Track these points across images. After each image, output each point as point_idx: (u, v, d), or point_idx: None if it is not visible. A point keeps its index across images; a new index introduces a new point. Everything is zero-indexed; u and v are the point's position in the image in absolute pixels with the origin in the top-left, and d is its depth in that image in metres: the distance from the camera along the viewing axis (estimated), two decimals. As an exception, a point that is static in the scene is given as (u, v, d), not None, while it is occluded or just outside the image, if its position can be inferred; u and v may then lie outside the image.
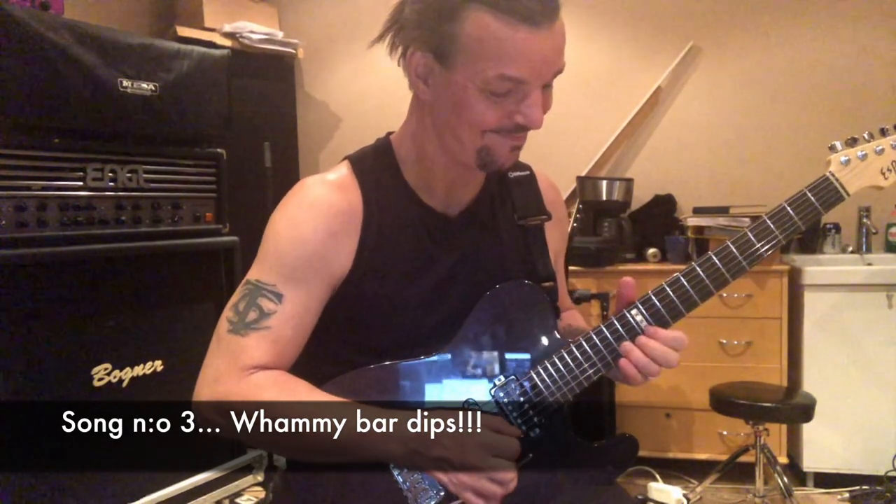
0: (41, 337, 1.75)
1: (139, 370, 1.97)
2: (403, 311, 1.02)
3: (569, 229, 1.43)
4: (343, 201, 1.01)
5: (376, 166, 1.06)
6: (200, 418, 0.96)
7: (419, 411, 0.92)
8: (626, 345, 0.99)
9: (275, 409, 0.90)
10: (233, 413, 0.92)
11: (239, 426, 0.93)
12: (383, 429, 0.89)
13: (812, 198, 1.00)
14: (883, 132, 1.03)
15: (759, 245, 1.00)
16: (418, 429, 0.89)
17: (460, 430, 0.88)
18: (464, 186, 1.08)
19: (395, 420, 0.90)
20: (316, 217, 0.99)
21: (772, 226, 1.00)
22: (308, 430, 0.89)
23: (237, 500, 2.42)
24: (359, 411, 0.91)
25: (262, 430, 0.92)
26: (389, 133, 1.11)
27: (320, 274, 0.99)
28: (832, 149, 1.03)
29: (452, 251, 1.06)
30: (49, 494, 1.75)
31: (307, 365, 1.03)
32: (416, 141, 1.04)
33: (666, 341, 0.98)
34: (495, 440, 0.89)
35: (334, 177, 1.04)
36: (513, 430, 0.93)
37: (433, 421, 0.89)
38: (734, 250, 1.00)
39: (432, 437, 0.88)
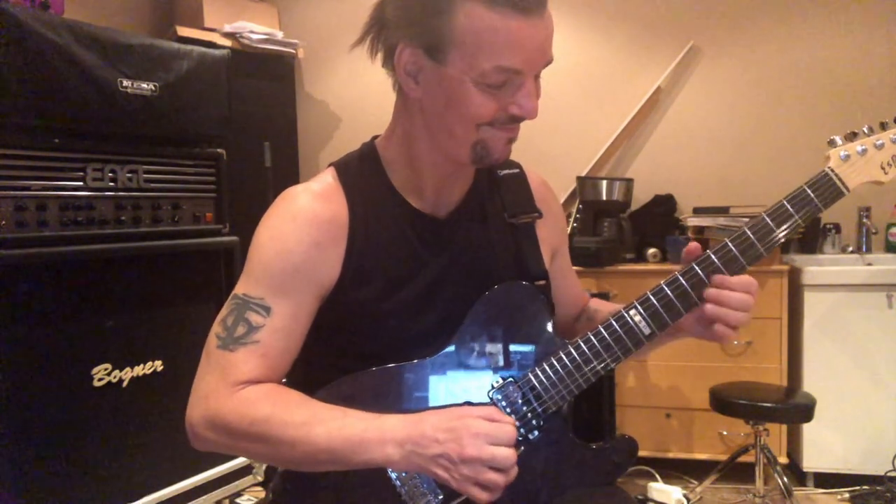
0: (41, 337, 1.75)
1: (139, 370, 1.97)
2: (395, 315, 1.02)
3: (567, 223, 1.41)
4: (327, 210, 1.00)
5: (362, 172, 1.06)
6: (195, 436, 0.95)
7: (413, 413, 0.92)
8: (708, 307, 0.98)
9: (268, 423, 0.90)
10: (226, 429, 0.92)
11: (233, 442, 0.93)
12: (378, 433, 0.88)
13: (811, 194, 0.99)
14: (883, 126, 1.02)
15: (758, 243, 0.99)
16: (413, 429, 0.88)
17: (454, 425, 0.88)
18: (452, 186, 1.07)
19: (390, 423, 0.89)
20: (300, 228, 0.98)
21: (771, 223, 0.99)
22: (303, 441, 0.89)
23: (237, 500, 2.43)
24: (353, 418, 0.90)
25: (257, 444, 0.92)
26: (374, 137, 1.10)
27: (307, 285, 0.98)
28: (831, 143, 1.01)
29: (443, 253, 1.05)
30: (49, 494, 1.75)
31: (301, 372, 1.03)
32: (405, 142, 1.04)
33: (736, 286, 0.98)
34: (490, 428, 0.88)
35: (318, 186, 1.03)
36: (507, 416, 0.93)
37: (427, 420, 0.89)
38: (733, 248, 1.00)
39: (428, 435, 0.88)
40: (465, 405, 0.98)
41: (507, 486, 0.89)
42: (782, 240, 1.00)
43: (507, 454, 0.88)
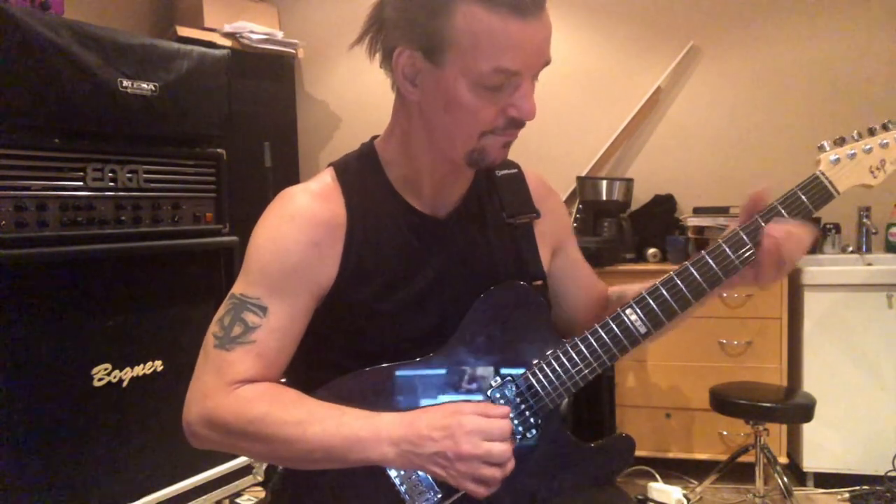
0: (41, 337, 1.75)
1: (139, 370, 1.97)
2: (394, 315, 1.02)
3: (570, 219, 1.40)
4: (325, 211, 1.00)
5: (361, 172, 1.06)
6: (192, 435, 0.96)
7: (408, 411, 0.93)
8: (766, 240, 0.99)
9: (265, 422, 0.91)
10: (223, 428, 0.92)
11: (231, 441, 0.94)
12: (374, 432, 0.89)
13: (803, 196, 1.01)
14: (871, 132, 1.04)
15: (751, 244, 1.01)
16: (409, 429, 0.89)
17: (448, 423, 0.88)
18: (451, 186, 1.07)
19: (385, 422, 0.90)
20: (298, 228, 0.98)
21: (763, 224, 1.01)
22: (299, 439, 0.90)
23: (237, 500, 2.43)
24: (349, 417, 0.91)
25: (254, 443, 0.92)
26: (374, 137, 1.10)
27: (304, 285, 0.99)
28: (821, 148, 1.04)
29: (441, 253, 1.05)
30: (49, 494, 1.75)
31: (300, 371, 1.03)
32: (403, 142, 1.04)
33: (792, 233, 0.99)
34: (484, 424, 0.89)
35: (316, 186, 1.04)
36: (501, 410, 0.93)
37: (422, 419, 0.90)
38: (727, 249, 1.01)
39: (423, 434, 0.88)
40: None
41: (504, 481, 0.90)
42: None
43: (503, 449, 0.88)
